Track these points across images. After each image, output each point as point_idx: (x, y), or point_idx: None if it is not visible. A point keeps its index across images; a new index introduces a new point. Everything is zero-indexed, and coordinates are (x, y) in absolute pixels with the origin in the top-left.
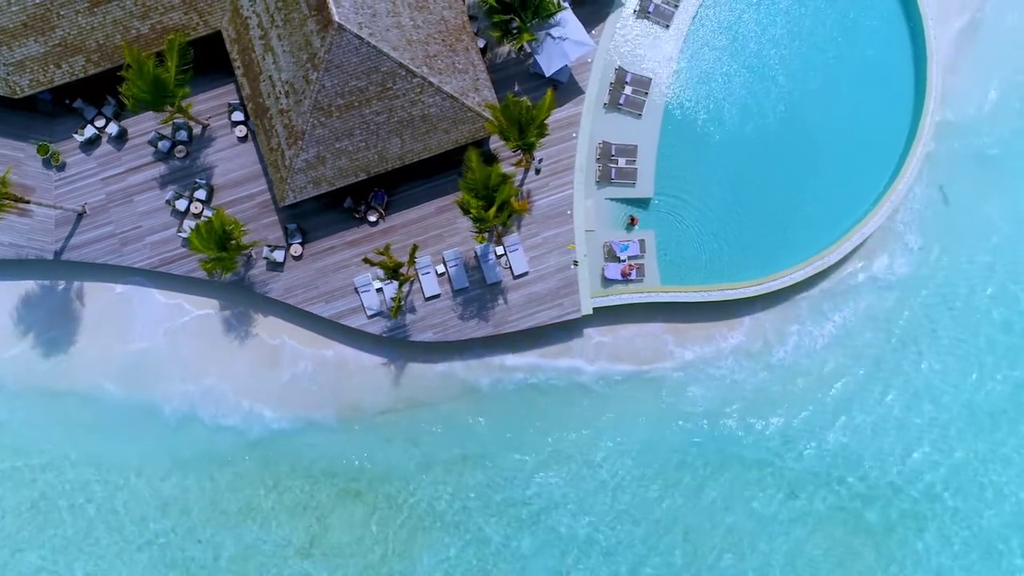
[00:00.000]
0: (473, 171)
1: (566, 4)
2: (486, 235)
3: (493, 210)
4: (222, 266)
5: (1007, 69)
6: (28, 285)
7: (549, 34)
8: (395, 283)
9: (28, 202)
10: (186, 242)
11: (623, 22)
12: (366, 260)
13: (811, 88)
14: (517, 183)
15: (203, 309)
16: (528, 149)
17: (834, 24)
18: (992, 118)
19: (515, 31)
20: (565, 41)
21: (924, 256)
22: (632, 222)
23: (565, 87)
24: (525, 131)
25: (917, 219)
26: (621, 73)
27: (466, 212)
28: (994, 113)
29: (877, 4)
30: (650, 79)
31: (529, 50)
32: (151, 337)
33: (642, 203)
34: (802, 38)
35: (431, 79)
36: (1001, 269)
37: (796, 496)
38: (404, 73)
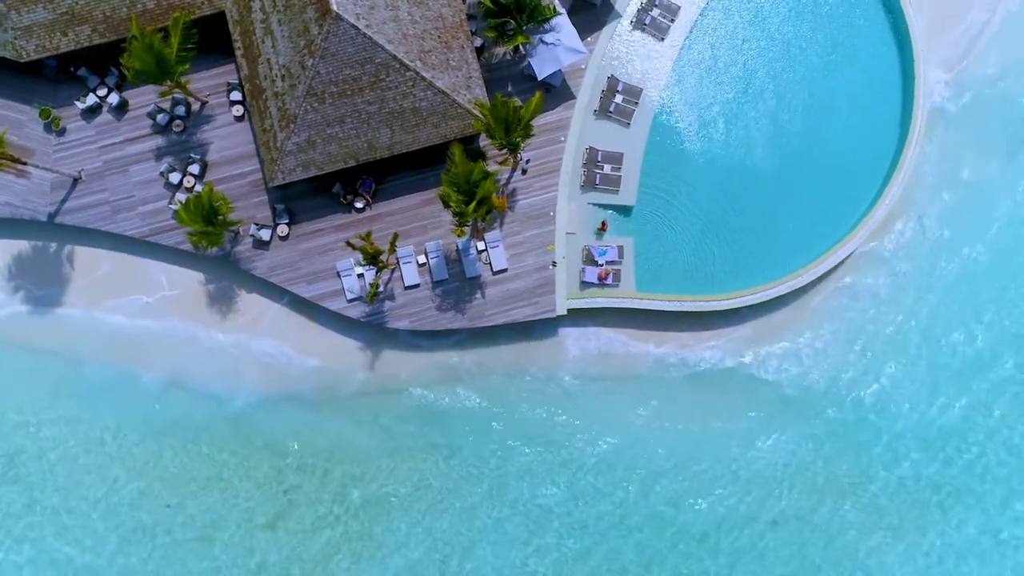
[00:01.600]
0: (456, 165)
1: (562, 10)
2: (466, 229)
3: (472, 205)
4: (208, 240)
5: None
6: (21, 244)
7: (543, 39)
8: (381, 269)
9: (25, 164)
10: (175, 214)
11: (619, 32)
12: (348, 244)
13: (799, 109)
14: (503, 181)
15: (188, 282)
16: (513, 149)
17: (827, 48)
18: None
19: (510, 33)
20: (559, 47)
21: (902, 282)
22: (603, 227)
23: (557, 91)
24: (511, 131)
25: (896, 244)
26: (613, 82)
27: (447, 205)
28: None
29: (869, 31)
30: (641, 90)
31: (523, 52)
32: (136, 306)
33: (624, 210)
34: (794, 60)
35: (424, 74)
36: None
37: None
38: (398, 66)
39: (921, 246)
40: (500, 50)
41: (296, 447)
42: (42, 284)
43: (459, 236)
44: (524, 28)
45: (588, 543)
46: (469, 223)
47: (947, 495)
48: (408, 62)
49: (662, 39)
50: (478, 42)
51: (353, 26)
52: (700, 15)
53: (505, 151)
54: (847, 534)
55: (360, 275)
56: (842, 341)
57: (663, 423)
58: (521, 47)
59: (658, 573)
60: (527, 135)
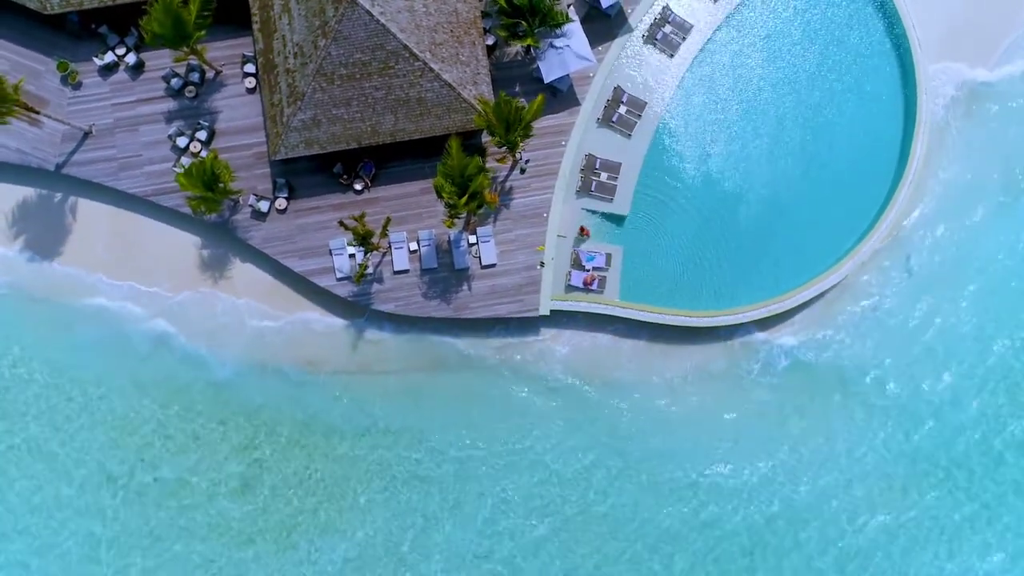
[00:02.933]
0: (452, 158)
1: (575, 17)
2: (457, 221)
3: (464, 199)
4: (206, 206)
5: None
6: (26, 191)
7: (553, 43)
8: (370, 251)
9: (39, 113)
10: (177, 178)
11: (630, 44)
12: (341, 223)
13: (799, 137)
14: (501, 178)
15: (184, 245)
16: (512, 147)
17: (833, 77)
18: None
19: (521, 34)
20: (568, 52)
21: (880, 317)
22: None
23: (564, 96)
24: (511, 130)
25: (880, 281)
26: (619, 92)
27: (440, 196)
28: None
29: (876, 64)
30: (645, 103)
31: (533, 55)
32: (131, 264)
33: (617, 219)
34: (800, 88)
35: (432, 65)
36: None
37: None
38: (407, 55)
39: (904, 284)
40: (511, 50)
41: (272, 417)
42: (43, 233)
43: (450, 227)
44: (535, 31)
45: (545, 532)
46: (460, 215)
47: None
48: (418, 52)
49: (672, 55)
50: (491, 40)
51: (367, 12)
52: (711, 35)
53: (504, 149)
54: None
55: (352, 255)
56: (812, 370)
57: (631, 428)
58: (531, 49)
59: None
60: (526, 135)
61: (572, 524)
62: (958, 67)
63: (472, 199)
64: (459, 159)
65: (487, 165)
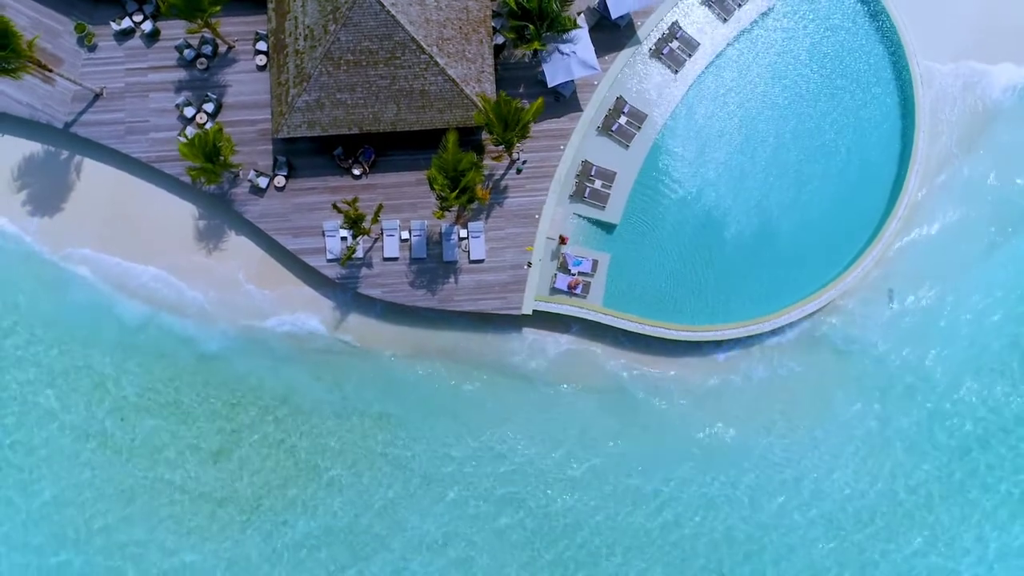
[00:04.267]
0: (447, 151)
1: (583, 25)
2: (447, 214)
3: (456, 192)
4: (205, 176)
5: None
6: (33, 147)
7: (560, 48)
8: (360, 235)
9: (51, 71)
10: (179, 147)
11: (637, 56)
12: (334, 206)
13: (794, 164)
14: (497, 177)
15: (182, 213)
16: (508, 146)
17: (834, 111)
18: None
19: (528, 37)
20: (573, 59)
21: (852, 352)
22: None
23: (566, 101)
24: (508, 129)
25: (863, 311)
26: (620, 102)
27: (432, 187)
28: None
29: (879, 100)
30: (646, 115)
31: (539, 58)
32: (130, 227)
33: (607, 227)
34: (800, 115)
35: (438, 59)
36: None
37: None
38: (414, 47)
39: (882, 319)
40: (520, 51)
41: (252, 389)
42: (45, 188)
43: (439, 218)
44: (542, 35)
45: (508, 523)
46: (451, 208)
47: None
48: (425, 46)
49: (676, 71)
50: (500, 39)
51: (378, 1)
52: (718, 55)
53: (501, 147)
54: None
55: (344, 238)
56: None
57: (602, 432)
58: (537, 52)
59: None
60: (523, 136)
61: (534, 517)
62: (960, 104)
63: (463, 193)
64: (454, 153)
65: (484, 162)
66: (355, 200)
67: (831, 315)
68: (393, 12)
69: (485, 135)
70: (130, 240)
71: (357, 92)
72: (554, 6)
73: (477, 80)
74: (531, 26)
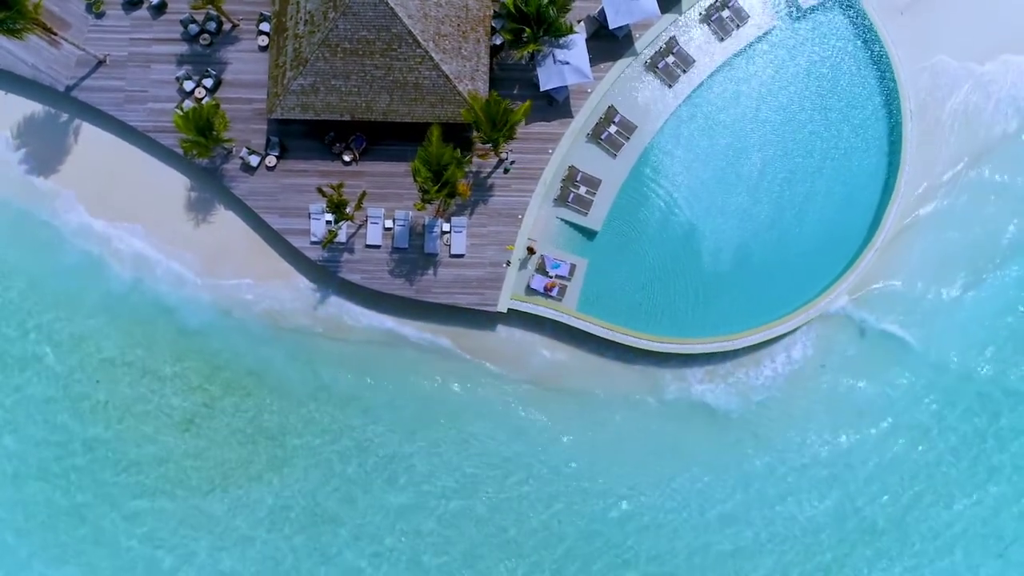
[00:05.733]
0: (432, 145)
1: (580, 32)
2: (428, 206)
3: (436, 186)
4: (198, 150)
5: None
6: (35, 107)
7: (555, 53)
8: (342, 220)
9: (56, 34)
10: (174, 118)
11: (632, 67)
12: (319, 190)
13: (778, 187)
14: (484, 174)
15: (172, 183)
16: (495, 145)
17: (822, 138)
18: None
19: (524, 40)
20: (567, 65)
21: (812, 375)
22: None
23: (559, 106)
24: (496, 128)
25: (826, 344)
26: (612, 112)
27: (415, 179)
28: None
29: (867, 130)
30: (636, 127)
31: (535, 61)
32: (121, 195)
33: (588, 233)
34: (789, 139)
35: (433, 55)
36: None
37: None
38: (411, 41)
39: (848, 351)
40: (516, 53)
41: (228, 364)
42: (42, 149)
43: (420, 210)
44: (539, 39)
45: (456, 509)
46: (432, 201)
47: None
48: (422, 40)
49: (670, 86)
50: (499, 40)
51: None
52: (712, 73)
53: (488, 146)
54: None
55: (328, 222)
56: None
57: (561, 433)
58: (534, 55)
59: None
60: (510, 136)
61: (485, 507)
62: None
63: (444, 187)
64: (438, 147)
65: (472, 160)
66: (340, 185)
67: (801, 338)
68: (392, 4)
69: (475, 132)
70: (120, 207)
71: (352, 80)
72: (552, 11)
73: (471, 78)
74: (528, 29)
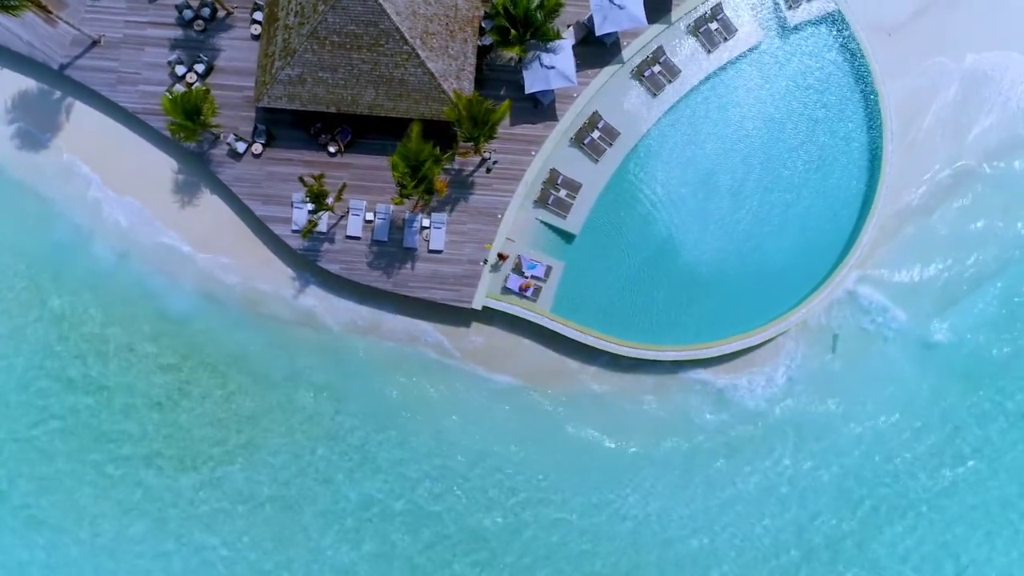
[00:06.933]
0: (411, 141)
1: (567, 37)
2: (406, 201)
3: (414, 181)
4: (184, 133)
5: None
6: (28, 83)
7: (541, 57)
8: (321, 210)
9: (52, 13)
10: (162, 101)
11: (618, 75)
12: (300, 179)
13: (756, 202)
14: (467, 172)
15: (159, 165)
16: (475, 144)
17: (804, 156)
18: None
19: (511, 41)
20: (553, 69)
21: (780, 392)
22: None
23: (545, 109)
24: (476, 127)
25: (798, 357)
26: (596, 117)
27: (393, 173)
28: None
29: (848, 152)
30: (619, 133)
31: (519, 63)
32: (109, 175)
33: (567, 236)
34: (771, 155)
35: (420, 52)
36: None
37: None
38: (398, 37)
39: (809, 372)
40: (507, 54)
41: (205, 346)
42: (33, 125)
43: (397, 204)
44: (525, 41)
45: (402, 507)
46: (409, 196)
47: None
48: (409, 37)
49: (655, 95)
50: (489, 41)
51: None
52: (698, 84)
53: (470, 144)
54: None
55: (311, 211)
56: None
57: (524, 432)
58: (518, 56)
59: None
60: (491, 136)
61: (442, 501)
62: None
63: (421, 183)
64: (417, 144)
65: (455, 157)
66: (321, 176)
67: (775, 351)
68: (381, 1)
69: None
70: (107, 185)
71: (339, 73)
72: (539, 15)
73: (456, 77)
74: (514, 31)
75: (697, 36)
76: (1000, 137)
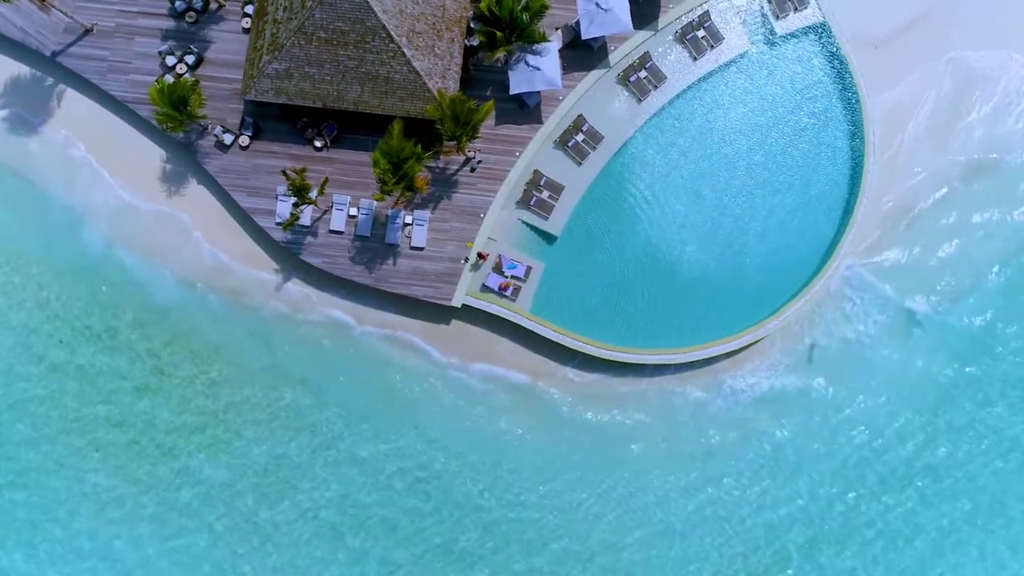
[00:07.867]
0: (393, 138)
1: (553, 40)
2: (387, 197)
3: (395, 178)
4: (171, 123)
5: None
6: (21, 69)
7: (526, 59)
8: (303, 204)
9: (44, 1)
10: (150, 91)
11: (605, 79)
12: (283, 172)
13: (739, 209)
14: (452, 171)
15: (148, 152)
16: (458, 143)
17: (786, 166)
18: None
19: (496, 43)
20: (538, 71)
21: (759, 396)
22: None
23: (530, 111)
24: (459, 126)
25: (779, 361)
26: (581, 120)
27: (374, 170)
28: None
29: (829, 162)
30: (603, 137)
31: (505, 64)
32: (98, 159)
33: (548, 237)
34: (754, 163)
35: (406, 50)
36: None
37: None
38: (384, 35)
39: (788, 378)
40: (488, 55)
41: (186, 334)
42: (24, 110)
43: (379, 200)
44: (511, 43)
45: (374, 500)
46: (390, 192)
47: None
48: (395, 35)
49: (640, 100)
50: (476, 40)
51: None
52: (683, 91)
53: (453, 143)
54: None
55: (296, 204)
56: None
57: (498, 431)
58: (504, 57)
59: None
60: (473, 135)
61: (419, 494)
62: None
63: (401, 180)
64: (399, 141)
65: (439, 156)
66: (303, 170)
67: (755, 355)
68: None
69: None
70: (97, 171)
71: (325, 68)
72: (524, 17)
73: (442, 76)
74: (499, 32)
75: (684, 43)
76: (982, 147)
